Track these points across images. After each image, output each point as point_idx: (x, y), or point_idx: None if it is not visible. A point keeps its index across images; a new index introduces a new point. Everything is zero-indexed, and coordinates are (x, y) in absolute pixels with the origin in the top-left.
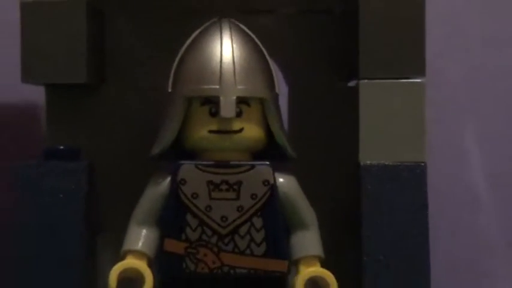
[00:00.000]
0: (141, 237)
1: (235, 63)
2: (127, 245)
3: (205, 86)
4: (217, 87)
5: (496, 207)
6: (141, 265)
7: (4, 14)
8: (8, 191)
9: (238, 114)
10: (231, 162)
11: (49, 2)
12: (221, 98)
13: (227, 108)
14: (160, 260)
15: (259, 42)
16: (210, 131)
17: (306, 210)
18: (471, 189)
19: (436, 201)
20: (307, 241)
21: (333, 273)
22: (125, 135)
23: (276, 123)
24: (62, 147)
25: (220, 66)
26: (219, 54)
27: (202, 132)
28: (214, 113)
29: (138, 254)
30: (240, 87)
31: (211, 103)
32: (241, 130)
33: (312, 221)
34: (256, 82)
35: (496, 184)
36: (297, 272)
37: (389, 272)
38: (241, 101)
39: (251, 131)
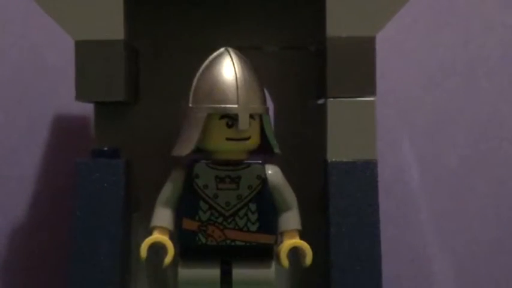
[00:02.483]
0: (164, 216)
1: (247, 86)
2: (154, 222)
3: (228, 106)
4: (236, 106)
5: (425, 194)
6: (165, 239)
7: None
8: (68, 181)
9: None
10: (233, 162)
11: (96, 41)
12: (240, 115)
13: (244, 122)
14: (179, 235)
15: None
16: (228, 139)
17: (289, 195)
18: (406, 179)
19: (382, 188)
20: (290, 218)
21: (308, 241)
22: (153, 138)
23: (269, 130)
24: (105, 148)
25: (237, 88)
26: (234, 77)
27: (220, 139)
28: (231, 125)
29: (162, 229)
30: (251, 105)
31: (228, 117)
32: (249, 137)
33: (293, 203)
34: (259, 100)
35: (426, 177)
36: (281, 242)
37: (349, 238)
38: (249, 115)
39: (254, 138)
